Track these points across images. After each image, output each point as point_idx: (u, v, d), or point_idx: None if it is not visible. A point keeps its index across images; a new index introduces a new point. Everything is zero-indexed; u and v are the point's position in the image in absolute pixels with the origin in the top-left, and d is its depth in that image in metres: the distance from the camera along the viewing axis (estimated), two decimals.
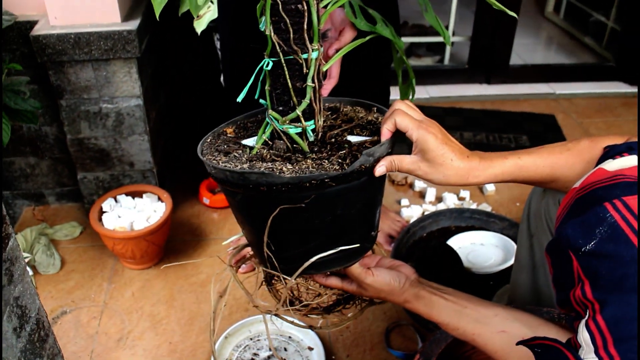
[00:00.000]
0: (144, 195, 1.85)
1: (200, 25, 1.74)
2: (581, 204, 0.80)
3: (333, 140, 0.95)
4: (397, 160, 0.90)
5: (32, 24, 1.70)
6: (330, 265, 0.98)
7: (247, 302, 1.63)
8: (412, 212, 2.03)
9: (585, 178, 0.84)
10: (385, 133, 0.89)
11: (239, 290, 1.74)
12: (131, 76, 1.73)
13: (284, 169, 0.86)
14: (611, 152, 0.88)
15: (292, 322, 1.19)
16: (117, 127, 1.82)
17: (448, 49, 2.95)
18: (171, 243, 1.91)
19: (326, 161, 0.88)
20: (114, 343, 1.59)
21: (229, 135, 1.03)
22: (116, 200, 1.82)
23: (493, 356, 0.95)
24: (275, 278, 1.12)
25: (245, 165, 0.89)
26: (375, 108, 1.03)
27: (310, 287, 1.11)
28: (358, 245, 0.96)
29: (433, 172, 0.90)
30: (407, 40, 3.00)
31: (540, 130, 2.60)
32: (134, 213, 1.77)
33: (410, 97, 1.16)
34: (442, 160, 0.89)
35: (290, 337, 1.57)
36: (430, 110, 2.70)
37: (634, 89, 2.93)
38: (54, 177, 2.04)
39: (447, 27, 2.92)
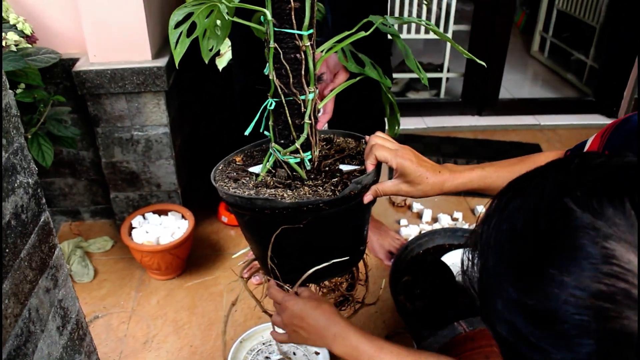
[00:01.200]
0: (169, 213, 1.89)
1: (221, 63, 1.79)
2: (625, 119, 0.87)
3: (327, 169, 1.01)
4: (381, 187, 0.98)
5: (74, 61, 1.76)
6: (325, 276, 1.03)
7: (259, 310, 1.65)
8: (410, 231, 2.06)
9: (593, 138, 0.93)
10: (369, 167, 0.96)
11: (252, 300, 1.77)
12: (160, 107, 1.78)
13: (285, 195, 0.91)
14: (580, 144, 0.96)
15: None
16: (146, 152, 1.87)
17: (443, 84, 3.00)
18: (193, 257, 1.94)
19: (321, 188, 0.93)
20: (140, 345, 1.62)
21: (237, 163, 1.08)
22: (144, 218, 1.86)
23: None
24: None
25: (252, 192, 0.94)
26: (363, 140, 1.08)
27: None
28: (349, 258, 1.01)
29: (413, 191, 0.98)
30: (406, 76, 3.05)
31: None
32: (160, 229, 1.81)
33: (397, 128, 1.22)
34: (419, 180, 0.97)
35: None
36: (427, 139, 2.74)
37: (611, 121, 2.95)
38: (89, 196, 2.08)
39: (442, 65, 2.97)
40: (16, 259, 0.72)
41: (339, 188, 0.93)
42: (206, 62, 0.94)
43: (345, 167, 1.01)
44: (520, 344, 0.48)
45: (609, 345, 0.43)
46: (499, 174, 1.05)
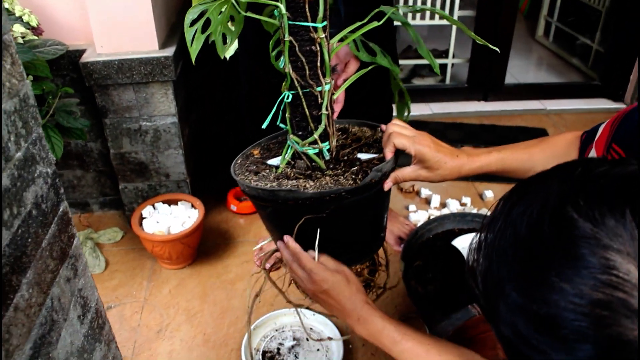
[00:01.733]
0: (179, 203, 1.89)
1: (228, 52, 1.78)
2: (633, 110, 0.86)
3: (345, 158, 1.01)
4: (400, 174, 0.98)
5: (80, 52, 1.76)
6: (347, 264, 1.03)
7: (272, 297, 1.66)
8: (418, 217, 2.06)
9: (604, 126, 0.92)
10: (388, 154, 0.96)
11: (265, 286, 1.78)
12: (167, 97, 1.78)
13: (307, 185, 0.92)
14: (593, 128, 0.96)
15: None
16: (154, 142, 1.87)
17: (449, 69, 2.98)
18: (203, 246, 1.94)
19: (342, 177, 0.94)
20: (154, 334, 1.62)
21: (255, 156, 1.09)
22: (154, 208, 1.87)
23: None
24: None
25: (274, 184, 0.95)
26: (379, 128, 1.09)
27: None
28: (370, 245, 1.03)
29: (432, 176, 0.99)
30: (411, 62, 3.04)
31: None
32: (170, 219, 1.82)
33: (406, 114, 1.22)
34: (438, 165, 0.97)
35: (311, 328, 1.60)
36: (433, 125, 2.73)
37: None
38: (97, 187, 2.08)
39: (447, 51, 2.96)
40: (38, 248, 0.73)
41: (360, 177, 0.93)
42: (222, 57, 0.94)
43: (363, 156, 1.02)
44: (522, 345, 0.50)
45: (606, 351, 0.44)
46: (516, 156, 1.05)
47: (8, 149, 0.66)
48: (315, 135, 0.96)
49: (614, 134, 0.89)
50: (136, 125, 1.82)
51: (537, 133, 2.70)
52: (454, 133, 2.67)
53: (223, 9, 0.90)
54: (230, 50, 1.80)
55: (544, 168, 1.05)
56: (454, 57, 2.95)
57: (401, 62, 2.96)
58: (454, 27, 2.82)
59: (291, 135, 0.99)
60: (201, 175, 2.18)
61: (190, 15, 0.91)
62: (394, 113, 1.44)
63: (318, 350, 1.54)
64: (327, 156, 1.00)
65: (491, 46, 1.09)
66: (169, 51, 1.73)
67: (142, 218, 1.83)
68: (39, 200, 0.74)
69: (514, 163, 1.04)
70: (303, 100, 0.93)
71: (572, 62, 3.40)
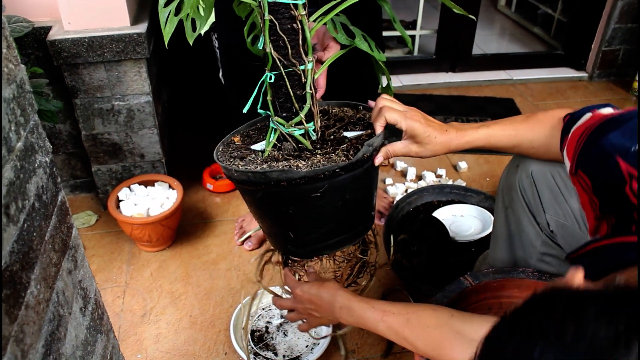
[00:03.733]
0: (155, 184, 1.84)
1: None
2: (598, 131, 0.85)
3: (332, 137, 1.00)
4: (391, 148, 0.99)
5: (46, 29, 1.67)
6: (341, 244, 1.04)
7: (257, 277, 1.65)
8: (396, 190, 2.07)
9: (580, 124, 0.91)
10: (378, 129, 0.96)
11: (248, 266, 1.77)
12: (141, 75, 1.72)
13: (299, 164, 0.90)
14: (576, 115, 0.95)
15: None
16: (128, 122, 1.80)
17: (417, 41, 2.98)
18: (181, 226, 1.91)
19: (333, 154, 0.93)
20: (138, 319, 1.59)
21: (237, 143, 1.07)
22: (130, 190, 1.82)
23: (421, 345, 0.97)
24: (297, 269, 1.17)
25: (264, 166, 0.93)
26: (361, 107, 1.09)
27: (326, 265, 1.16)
28: (362, 224, 1.03)
29: (423, 151, 1.00)
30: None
31: (502, 112, 2.66)
32: (148, 200, 1.77)
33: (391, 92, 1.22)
34: (428, 140, 0.98)
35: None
36: (403, 97, 2.74)
37: (581, 74, 3.01)
38: (67, 170, 2.01)
39: (415, 22, 2.95)
40: (42, 242, 0.69)
41: (352, 153, 0.92)
42: (191, 43, 0.91)
43: (350, 134, 1.00)
44: None
45: None
46: (503, 132, 1.07)
47: (10, 139, 0.62)
48: (302, 115, 0.94)
49: (578, 159, 0.89)
50: (108, 105, 1.75)
51: (505, 103, 2.74)
52: (424, 105, 2.68)
53: None
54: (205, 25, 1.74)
55: (530, 145, 1.07)
56: (421, 28, 2.95)
57: None
58: None
59: (275, 118, 0.97)
60: (174, 154, 2.13)
61: None
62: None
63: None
64: (314, 136, 0.98)
65: (469, 15, 1.09)
66: (142, 27, 1.66)
67: (118, 200, 1.77)
68: (40, 192, 0.70)
69: (502, 139, 1.06)
70: (286, 80, 0.91)
71: (534, 31, 3.45)
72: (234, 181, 0.96)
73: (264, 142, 1.03)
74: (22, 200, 0.64)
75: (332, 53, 1.24)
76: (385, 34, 3.03)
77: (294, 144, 0.98)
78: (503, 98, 2.79)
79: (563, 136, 0.97)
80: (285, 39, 0.87)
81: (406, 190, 2.07)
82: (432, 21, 2.95)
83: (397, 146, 1.00)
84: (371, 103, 1.02)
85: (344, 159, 0.91)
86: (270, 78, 0.92)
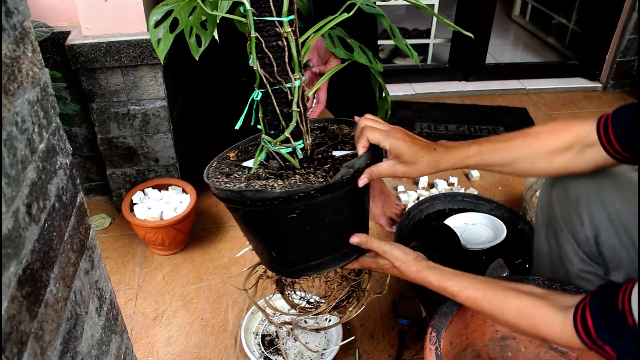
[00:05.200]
0: (169, 188, 1.86)
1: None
2: None
3: (320, 156, 0.98)
4: (376, 169, 0.95)
5: (65, 34, 1.70)
6: (325, 266, 1.00)
7: (267, 283, 1.65)
8: (407, 197, 2.08)
9: None
10: (360, 150, 0.94)
11: (260, 271, 1.77)
12: (157, 80, 1.74)
13: (275, 185, 0.89)
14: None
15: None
16: (143, 126, 1.83)
17: (430, 49, 2.99)
18: (194, 230, 1.92)
19: (312, 175, 0.91)
20: (150, 321, 1.61)
21: (231, 158, 1.06)
22: (144, 193, 1.84)
23: (500, 313, 0.98)
24: (287, 287, 1.16)
25: (242, 185, 0.92)
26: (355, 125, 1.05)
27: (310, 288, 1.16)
28: (351, 247, 1.00)
29: (410, 171, 0.98)
30: (392, 42, 3.04)
31: (514, 121, 2.66)
32: (162, 204, 1.79)
33: (388, 111, 1.20)
34: (415, 159, 0.96)
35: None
36: (417, 105, 2.74)
37: (595, 84, 3.00)
38: (82, 173, 2.04)
39: (428, 31, 2.96)
40: (62, 241, 0.71)
41: (331, 174, 0.90)
42: (197, 58, 0.91)
43: (338, 153, 0.98)
44: None
45: None
46: (496, 147, 1.04)
47: (33, 140, 0.63)
48: (286, 133, 0.92)
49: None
50: (124, 109, 1.78)
51: (518, 112, 2.74)
52: (437, 113, 2.69)
53: (193, 10, 0.87)
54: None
55: (527, 163, 1.06)
56: (435, 37, 2.95)
57: (383, 42, 2.96)
58: (436, 6, 2.82)
59: (264, 135, 0.96)
60: (188, 159, 2.15)
61: (155, 16, 0.87)
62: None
63: (317, 332, 1.55)
64: (301, 155, 0.96)
65: (465, 32, 1.04)
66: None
67: (132, 204, 1.79)
68: (60, 192, 0.71)
69: (496, 157, 1.03)
70: (273, 97, 0.90)
71: (548, 41, 3.44)
72: (217, 197, 0.95)
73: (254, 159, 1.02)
74: (43, 200, 0.65)
75: (333, 66, 1.24)
76: None
77: (281, 162, 0.96)
78: (516, 107, 2.79)
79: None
80: (271, 56, 0.86)
81: (418, 198, 2.08)
82: (446, 30, 2.96)
83: (382, 167, 0.96)
84: (357, 119, 1.00)
85: (322, 180, 0.89)
86: (258, 95, 0.91)
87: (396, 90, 2.86)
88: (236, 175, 0.97)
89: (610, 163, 1.01)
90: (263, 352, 1.48)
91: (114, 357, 0.92)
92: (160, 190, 1.85)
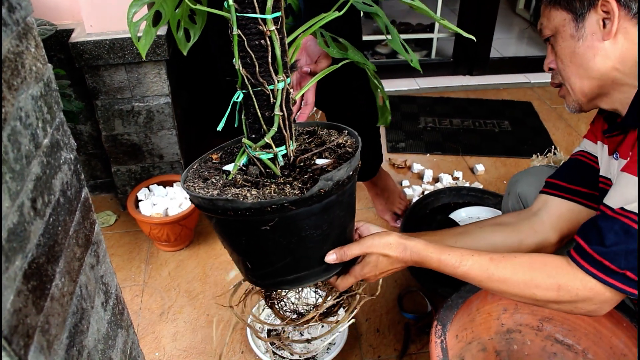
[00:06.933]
0: (174, 184, 1.87)
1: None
2: None
3: (302, 164, 0.91)
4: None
5: (68, 32, 1.70)
6: (302, 281, 0.95)
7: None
8: (412, 192, 2.08)
9: None
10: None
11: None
12: (160, 77, 1.74)
13: (248, 195, 0.83)
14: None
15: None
16: (147, 123, 1.83)
17: (434, 44, 2.98)
18: (199, 226, 1.93)
19: (288, 186, 0.85)
20: (156, 317, 1.62)
21: (214, 160, 1.00)
22: (149, 190, 1.84)
23: (510, 273, 0.95)
24: (275, 299, 1.10)
25: (215, 192, 0.86)
26: (346, 131, 0.99)
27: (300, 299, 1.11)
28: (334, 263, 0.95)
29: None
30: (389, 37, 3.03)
31: (519, 115, 2.65)
32: (167, 200, 1.79)
33: (388, 117, 1.12)
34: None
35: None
36: (421, 100, 2.74)
37: None
38: (87, 170, 2.05)
39: (432, 25, 2.95)
40: (67, 236, 0.71)
41: (308, 185, 0.84)
42: (184, 53, 0.88)
43: (321, 161, 0.91)
44: None
45: None
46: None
47: (37, 135, 0.64)
48: (266, 139, 0.86)
49: None
50: (128, 106, 1.78)
51: (523, 106, 2.73)
52: (442, 107, 2.68)
53: (179, 3, 0.81)
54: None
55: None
56: (439, 31, 2.95)
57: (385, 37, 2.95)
58: (439, 0, 2.81)
59: (244, 139, 0.90)
60: (193, 155, 2.15)
61: (134, 8, 0.82)
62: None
63: (323, 326, 1.55)
64: (282, 162, 0.90)
65: (465, 34, 0.94)
66: (162, 29, 1.69)
67: (137, 200, 1.80)
68: (65, 187, 0.72)
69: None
70: (254, 99, 0.84)
71: None
72: (192, 203, 0.91)
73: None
74: (48, 195, 0.65)
75: (323, 67, 1.18)
76: (403, 36, 3.04)
77: (261, 168, 0.90)
78: (521, 101, 2.78)
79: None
80: (253, 55, 0.80)
81: (423, 192, 2.07)
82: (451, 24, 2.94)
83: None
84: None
85: (297, 192, 0.82)
86: (239, 97, 0.86)
87: (401, 85, 2.86)
88: (214, 180, 0.91)
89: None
90: (269, 347, 1.48)
91: (120, 352, 0.92)
92: (165, 187, 1.86)
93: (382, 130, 2.45)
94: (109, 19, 1.65)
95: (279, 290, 1.08)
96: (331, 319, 1.10)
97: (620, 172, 0.94)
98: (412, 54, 0.99)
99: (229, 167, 0.95)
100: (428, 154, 2.33)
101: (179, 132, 1.89)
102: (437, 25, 2.91)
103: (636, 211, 0.87)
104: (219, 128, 0.89)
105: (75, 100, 1.55)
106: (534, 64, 3.04)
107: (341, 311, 1.11)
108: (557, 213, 1.16)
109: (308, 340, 1.23)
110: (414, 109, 2.65)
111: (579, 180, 1.16)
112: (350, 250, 0.94)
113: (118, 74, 1.72)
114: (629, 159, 0.93)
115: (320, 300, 1.09)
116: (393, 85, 2.83)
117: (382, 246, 0.96)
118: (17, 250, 0.56)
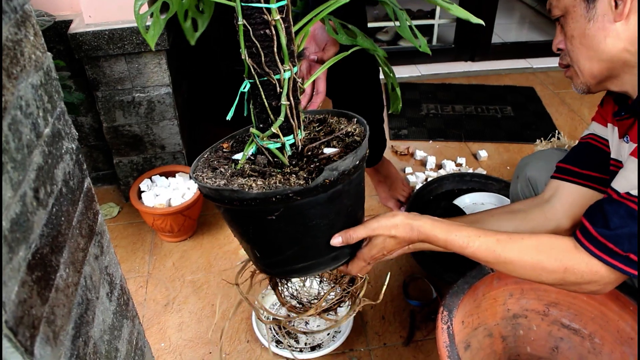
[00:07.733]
0: (176, 175, 1.86)
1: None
2: None
3: (310, 153, 0.91)
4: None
5: (67, 23, 1.69)
6: (311, 269, 0.95)
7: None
8: (416, 179, 2.07)
9: None
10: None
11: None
12: (161, 67, 1.73)
13: (254, 185, 0.83)
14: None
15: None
16: (148, 114, 1.82)
17: (436, 30, 2.96)
18: (203, 216, 1.93)
19: (294, 176, 0.85)
20: (161, 308, 1.62)
21: (224, 150, 1.00)
22: (152, 181, 1.84)
23: (517, 255, 0.95)
24: (280, 283, 1.10)
25: (222, 182, 0.86)
26: (355, 119, 0.99)
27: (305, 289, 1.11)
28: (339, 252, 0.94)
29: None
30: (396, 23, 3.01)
31: (522, 101, 2.63)
32: (169, 191, 1.79)
33: (399, 105, 1.10)
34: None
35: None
36: (423, 87, 2.72)
37: None
38: (89, 162, 2.04)
39: (433, 11, 2.93)
40: (70, 226, 0.70)
41: (314, 175, 0.83)
42: (192, 43, 0.87)
43: (328, 151, 0.91)
44: None
45: None
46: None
47: (38, 125, 0.63)
48: (273, 129, 0.86)
49: None
50: (129, 97, 1.77)
51: (526, 92, 2.71)
52: (444, 94, 2.67)
53: None
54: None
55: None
56: (440, 17, 2.92)
57: (386, 24, 2.93)
58: None
59: (252, 129, 0.90)
60: (195, 145, 2.15)
61: (140, 0, 0.81)
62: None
63: (305, 334, 1.54)
64: (289, 151, 0.90)
65: (474, 19, 0.95)
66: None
67: (140, 192, 1.79)
68: (67, 177, 0.71)
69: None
70: (261, 89, 0.84)
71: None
72: (200, 193, 0.91)
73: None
74: (50, 185, 0.65)
75: (331, 55, 1.17)
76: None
77: (270, 158, 0.90)
78: (523, 87, 2.76)
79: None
80: (258, 45, 0.80)
81: (426, 179, 2.07)
82: None
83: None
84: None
85: (302, 182, 0.82)
86: (246, 87, 0.86)
87: (402, 72, 2.84)
88: (222, 169, 0.91)
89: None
90: (274, 336, 1.48)
91: (125, 342, 0.92)
92: (167, 177, 1.85)
93: (385, 118, 2.43)
94: (108, 9, 1.64)
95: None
96: (331, 315, 1.09)
97: (629, 156, 0.93)
98: (421, 38, 0.96)
99: (238, 156, 0.95)
100: (431, 141, 2.32)
101: (180, 122, 1.88)
102: (438, 12, 2.88)
103: None
104: (229, 117, 0.89)
105: (76, 92, 1.54)
106: (535, 49, 3.02)
107: (341, 309, 1.10)
108: (570, 199, 1.15)
109: (305, 333, 1.23)
110: (416, 95, 2.64)
111: (590, 164, 1.15)
112: (356, 233, 0.92)
113: (118, 64, 1.71)
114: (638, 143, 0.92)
115: (323, 293, 1.09)
116: (395, 72, 2.81)
117: (388, 227, 0.95)
118: (21, 241, 0.55)
